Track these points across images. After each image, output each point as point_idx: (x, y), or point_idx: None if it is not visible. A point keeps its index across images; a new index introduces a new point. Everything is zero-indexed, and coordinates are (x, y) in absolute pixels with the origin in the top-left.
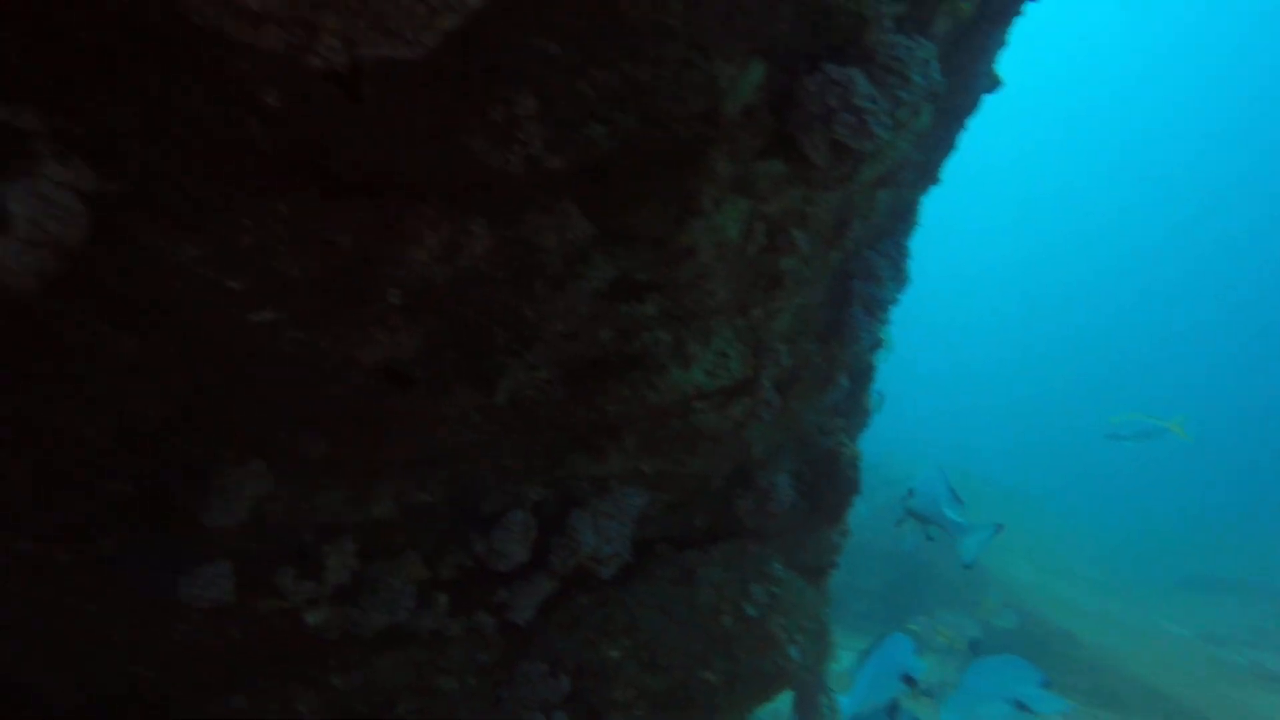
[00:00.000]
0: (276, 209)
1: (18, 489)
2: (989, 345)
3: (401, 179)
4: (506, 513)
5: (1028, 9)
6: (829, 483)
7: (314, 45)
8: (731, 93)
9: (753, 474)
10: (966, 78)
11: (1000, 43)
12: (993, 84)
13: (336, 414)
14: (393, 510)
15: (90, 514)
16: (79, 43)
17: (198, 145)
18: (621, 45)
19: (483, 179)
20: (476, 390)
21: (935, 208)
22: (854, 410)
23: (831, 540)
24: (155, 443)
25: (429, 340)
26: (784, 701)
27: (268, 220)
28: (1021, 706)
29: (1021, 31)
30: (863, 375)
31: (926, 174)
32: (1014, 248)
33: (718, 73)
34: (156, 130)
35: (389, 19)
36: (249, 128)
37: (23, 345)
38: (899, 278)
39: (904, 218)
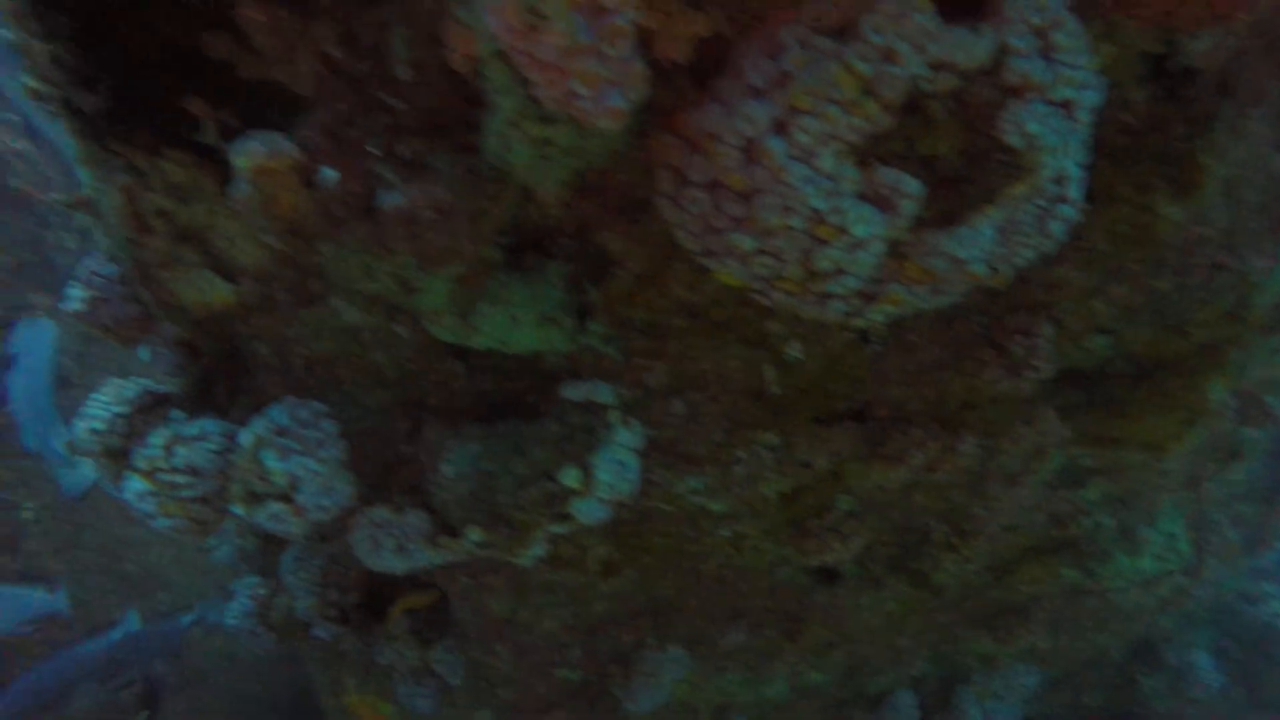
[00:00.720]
0: (767, 439)
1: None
2: None
3: (893, 406)
4: (893, 693)
5: None
6: (1267, 662)
7: (864, 311)
8: (1263, 288)
9: (1158, 647)
10: None
11: None
12: None
13: (761, 607)
14: (784, 690)
15: (545, 696)
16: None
17: (721, 396)
18: (1146, 261)
19: (982, 401)
20: (909, 585)
21: None
22: None
23: None
24: (598, 635)
25: (871, 539)
26: None
27: (760, 451)
28: None
29: None
30: None
31: None
32: None
33: (1249, 269)
34: (688, 385)
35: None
36: (770, 379)
37: None
38: None
39: None
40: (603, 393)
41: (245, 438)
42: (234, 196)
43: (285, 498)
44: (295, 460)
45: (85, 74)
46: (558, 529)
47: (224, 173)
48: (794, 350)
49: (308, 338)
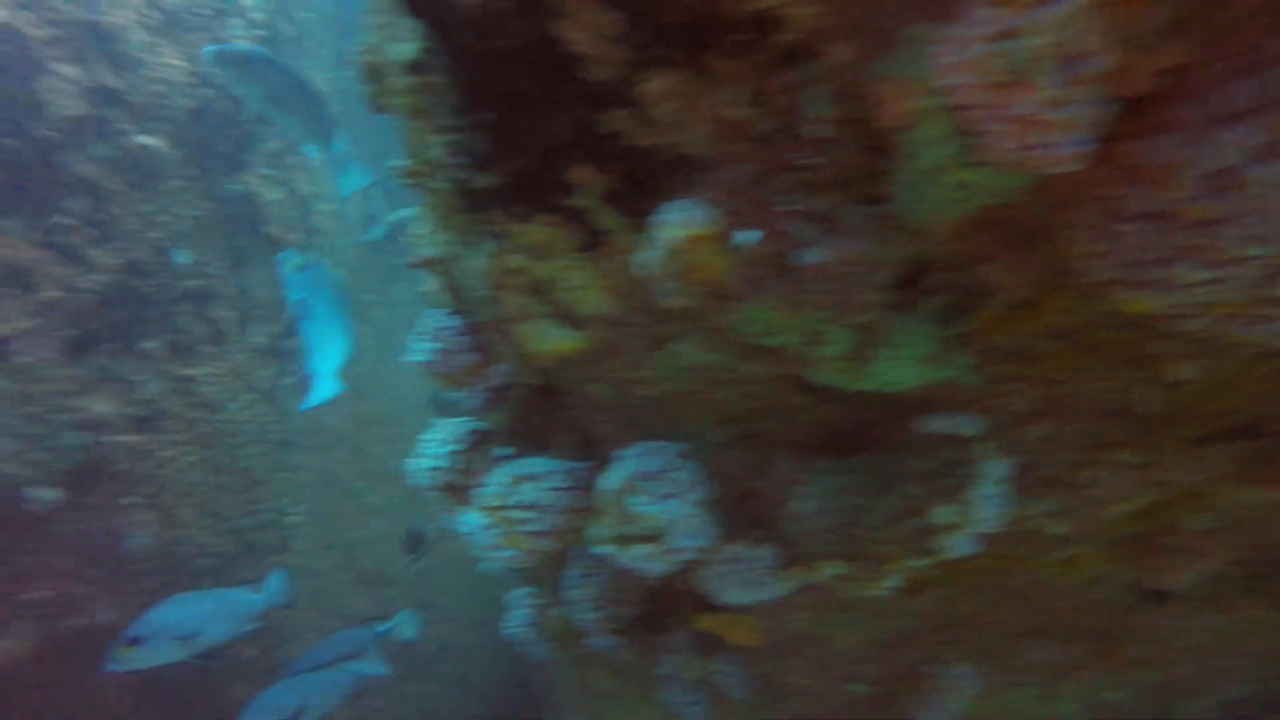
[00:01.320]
0: (1129, 458)
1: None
2: None
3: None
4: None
5: None
6: None
7: None
8: None
9: None
10: None
11: None
12: None
13: (1070, 625)
14: (1076, 708)
15: (833, 710)
16: (1014, 350)
17: (1083, 418)
18: None
19: None
20: (1264, 608)
21: None
22: None
23: None
24: (893, 651)
25: (1226, 559)
26: None
27: (1120, 471)
28: None
29: None
30: None
31: None
32: None
33: None
34: (1049, 409)
35: None
36: (1144, 398)
37: None
38: None
39: None
40: (969, 425)
41: (611, 481)
42: (646, 263)
43: (654, 539)
44: (668, 505)
45: (487, 157)
46: (919, 563)
47: (581, 232)
48: (1184, 370)
49: (652, 380)
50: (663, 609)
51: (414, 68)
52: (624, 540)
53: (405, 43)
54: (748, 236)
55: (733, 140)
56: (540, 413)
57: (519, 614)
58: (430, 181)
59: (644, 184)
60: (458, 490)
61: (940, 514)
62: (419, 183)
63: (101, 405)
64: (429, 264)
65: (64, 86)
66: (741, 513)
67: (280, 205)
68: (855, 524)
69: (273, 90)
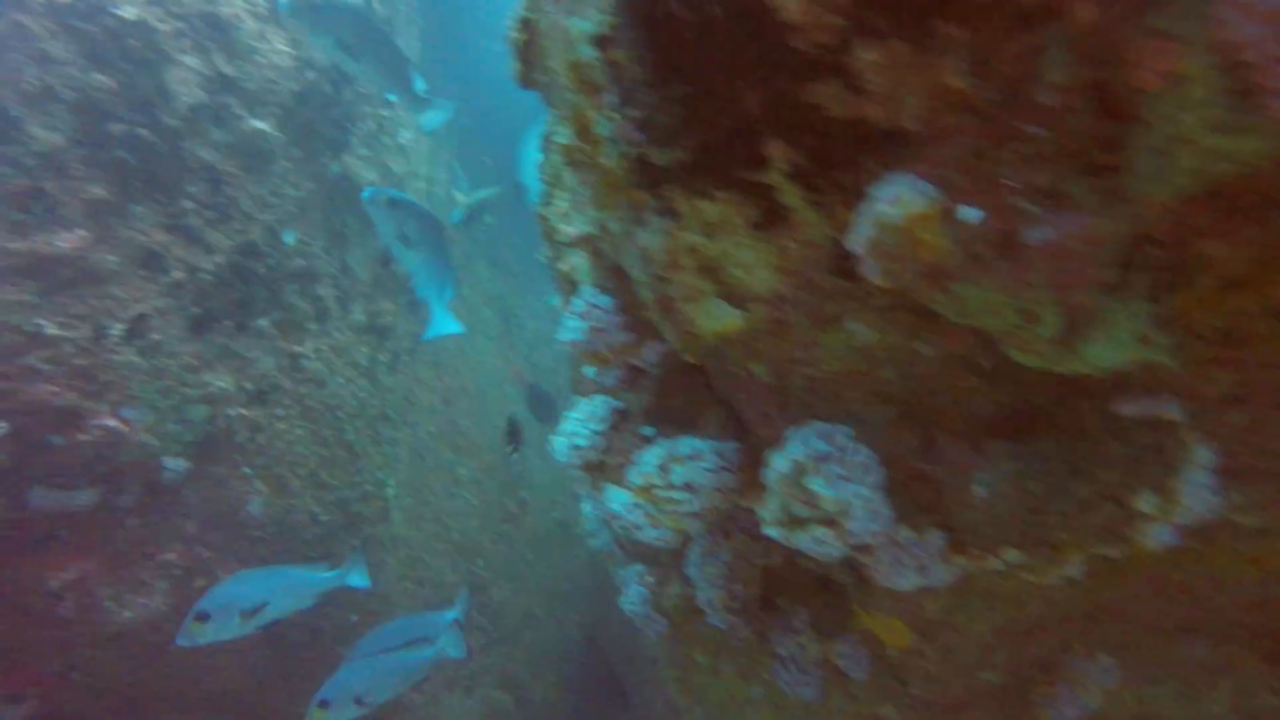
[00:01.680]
0: None
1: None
2: None
3: None
4: None
5: None
6: None
7: None
8: None
9: None
10: None
11: None
12: None
13: (1236, 623)
14: (1224, 710)
15: (960, 697)
16: (1222, 331)
17: None
18: None
19: None
20: None
21: None
22: None
23: None
24: (1028, 639)
25: None
26: None
27: None
28: None
29: None
30: None
31: None
32: None
33: None
34: (1254, 394)
35: None
36: None
37: None
38: None
39: None
40: (1172, 409)
41: (783, 463)
42: (856, 242)
43: (830, 523)
44: (845, 487)
45: (673, 132)
46: (1109, 551)
47: (756, 209)
48: None
49: (818, 359)
50: (780, 589)
51: (599, 41)
52: (797, 523)
53: (588, 17)
54: (971, 214)
55: (954, 112)
56: (684, 393)
57: (635, 591)
58: (594, 158)
59: (834, 160)
60: (602, 468)
61: (1143, 502)
62: (578, 159)
63: (221, 380)
64: (578, 242)
65: (187, 76)
66: (907, 496)
67: (376, 185)
68: (1039, 510)
69: (344, 37)
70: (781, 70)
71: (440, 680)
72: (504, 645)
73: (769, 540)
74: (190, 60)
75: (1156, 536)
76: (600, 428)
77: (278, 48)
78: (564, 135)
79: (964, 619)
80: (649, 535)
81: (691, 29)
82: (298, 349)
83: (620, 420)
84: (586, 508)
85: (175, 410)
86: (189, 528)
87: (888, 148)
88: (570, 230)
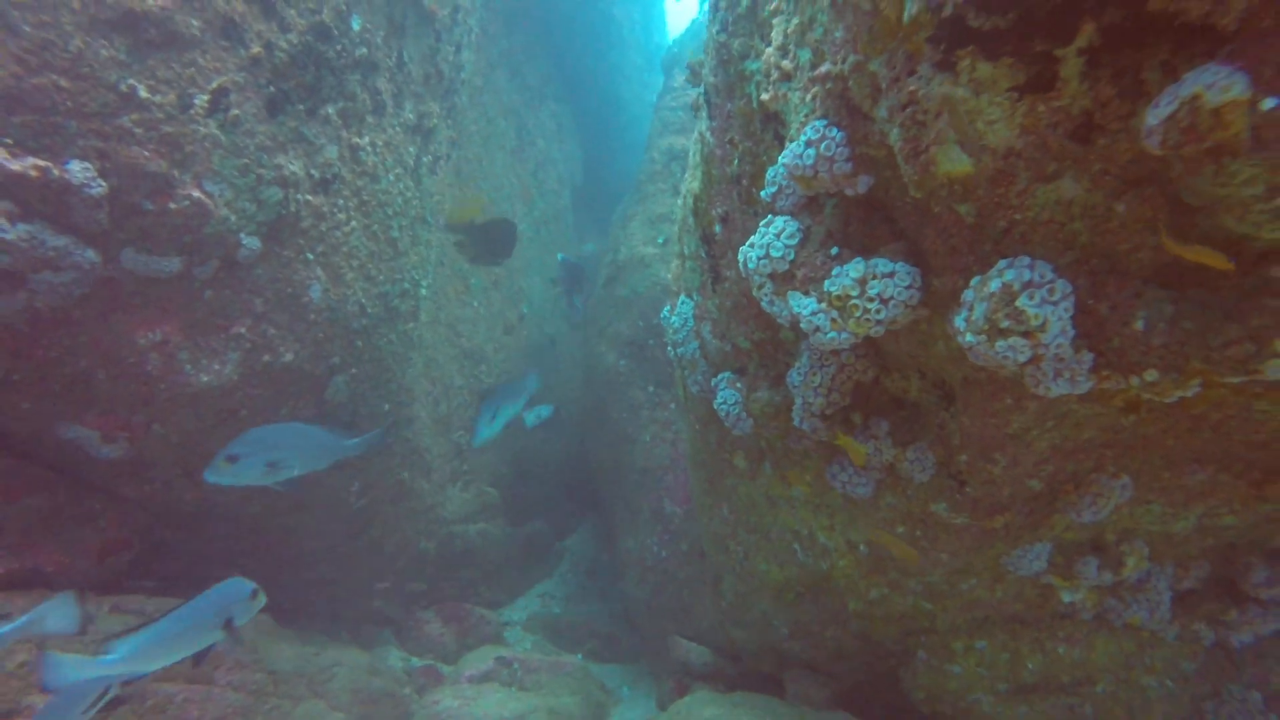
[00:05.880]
0: None
1: (994, 469)
2: None
3: None
4: None
5: None
6: None
7: None
8: None
9: None
10: None
11: None
12: None
13: (1240, 456)
14: (1192, 526)
15: (1004, 499)
16: None
17: None
18: None
19: None
20: None
21: None
22: None
23: None
24: (1072, 457)
25: None
26: None
27: None
28: None
29: None
30: None
31: None
32: None
33: None
34: None
35: None
36: None
37: None
38: None
39: None
40: None
41: (996, 284)
42: (1157, 114)
43: (1029, 334)
44: (1047, 307)
45: (1003, 2)
46: (1233, 379)
47: (1027, 73)
48: None
49: (1024, 206)
50: (860, 405)
51: None
52: (999, 332)
53: None
54: (1272, 103)
55: (1274, 14)
56: (862, 222)
57: (729, 393)
58: (879, 5)
59: (1130, 44)
60: (790, 278)
61: (1279, 344)
62: (874, 7)
63: (293, 165)
64: (817, 79)
65: None
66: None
67: None
68: (1185, 342)
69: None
70: None
71: (447, 473)
72: (496, 448)
73: (866, 359)
74: None
75: (1277, 370)
76: (793, 243)
77: None
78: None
79: (1036, 435)
80: (827, 337)
81: None
82: (357, 140)
83: (806, 239)
84: (675, 319)
85: (251, 189)
86: (257, 305)
87: (1187, 43)
88: (787, 64)
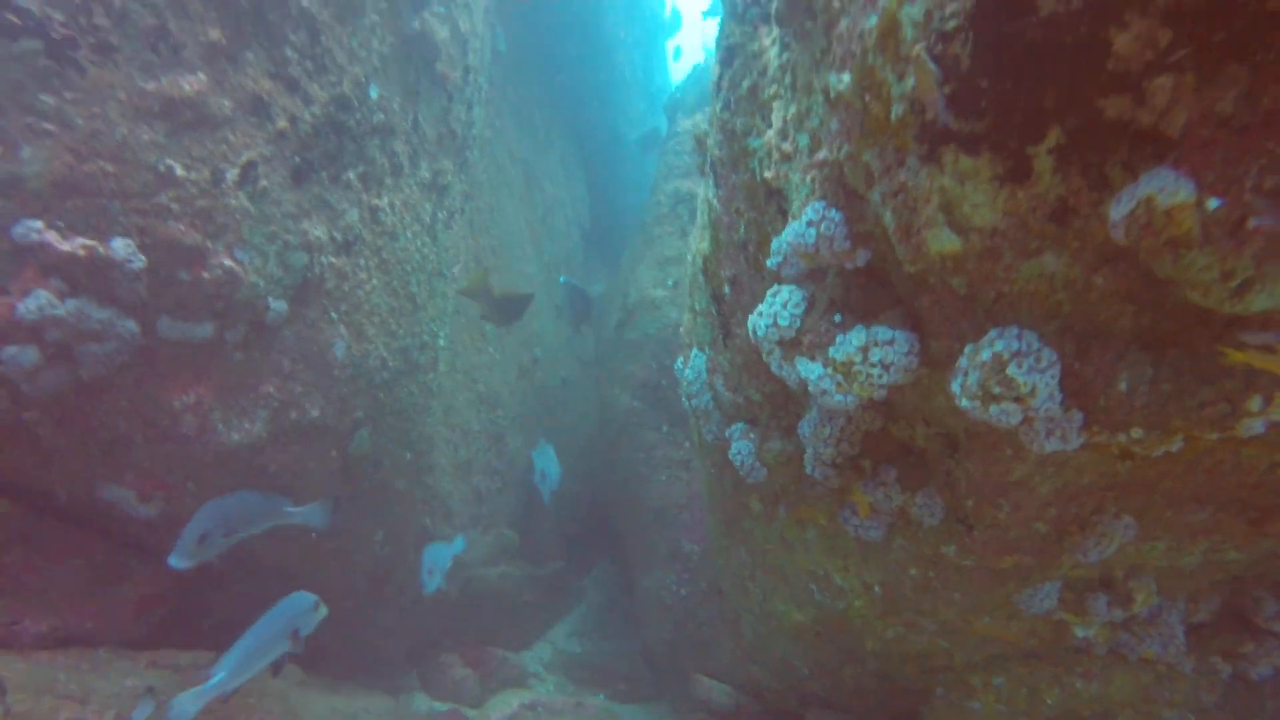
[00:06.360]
0: None
1: (1000, 514)
2: None
3: None
4: None
5: None
6: None
7: None
8: None
9: None
10: None
11: None
12: None
13: (1235, 499)
14: (1197, 561)
15: (1011, 541)
16: None
17: None
18: None
19: None
20: None
21: None
22: None
23: None
24: (1075, 501)
25: None
26: None
27: None
28: None
29: None
30: None
31: None
32: None
33: None
34: None
35: None
36: None
37: None
38: None
39: None
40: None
41: (987, 353)
42: (1119, 211)
43: (1019, 400)
44: (1035, 375)
45: (978, 109)
46: (1208, 435)
47: (1001, 166)
48: None
49: (1009, 280)
50: (868, 453)
51: (942, 36)
52: (992, 398)
53: (931, 10)
54: (1215, 204)
55: (1214, 128)
56: (862, 290)
57: (743, 445)
58: (869, 106)
59: (1091, 146)
60: (797, 344)
61: (1253, 403)
62: (845, 102)
63: (318, 229)
64: (819, 165)
65: None
66: (1063, 385)
67: (446, 43)
68: (1166, 402)
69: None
70: (1088, 80)
71: (466, 517)
72: (515, 489)
73: (873, 410)
74: None
75: (1250, 428)
76: (799, 312)
77: None
78: (839, 81)
79: (1038, 481)
80: (835, 400)
81: (1030, 46)
82: (376, 202)
83: (810, 307)
84: (688, 373)
85: (279, 255)
86: (285, 364)
87: (1141, 146)
88: (787, 147)
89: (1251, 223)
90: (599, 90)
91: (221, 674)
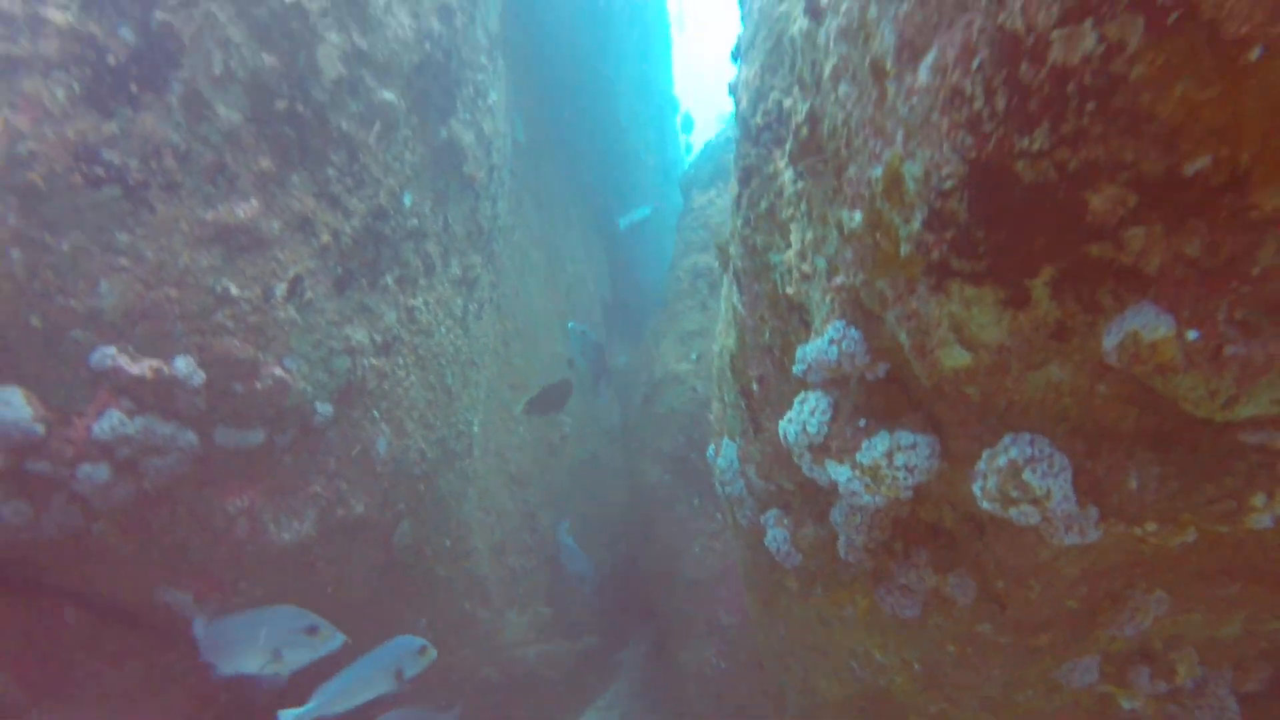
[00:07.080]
0: None
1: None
2: None
3: None
4: None
5: None
6: None
7: None
8: None
9: None
10: None
11: None
12: None
13: (1266, 571)
14: (1238, 631)
15: (1043, 619)
16: None
17: None
18: None
19: None
20: None
21: None
22: None
23: None
24: (1104, 578)
25: None
26: None
27: None
28: None
29: None
30: None
31: None
32: None
33: None
34: None
35: None
36: None
37: None
38: None
39: None
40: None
41: (1004, 460)
42: (1110, 341)
43: (1035, 502)
44: (1049, 480)
45: (976, 252)
46: (1219, 529)
47: (1005, 292)
48: None
49: (1019, 389)
50: (899, 536)
51: (941, 194)
52: (1010, 501)
53: (929, 171)
54: (1193, 335)
55: (1184, 268)
56: (883, 396)
57: (777, 532)
58: (879, 243)
59: (1080, 280)
60: (826, 449)
61: (1257, 500)
62: (857, 237)
63: (359, 334)
64: (837, 290)
65: (331, 52)
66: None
67: (472, 146)
68: (1174, 499)
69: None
70: (1071, 230)
71: (503, 599)
72: (549, 565)
73: (902, 499)
74: (334, 37)
75: (1259, 522)
76: (825, 419)
77: (402, 20)
78: (850, 219)
79: (1065, 563)
80: (864, 500)
81: (1018, 204)
82: (412, 302)
83: (836, 414)
84: (721, 462)
85: (324, 361)
86: (331, 464)
87: (1125, 279)
88: (806, 269)
89: (1228, 351)
90: (614, 169)
91: (316, 702)
